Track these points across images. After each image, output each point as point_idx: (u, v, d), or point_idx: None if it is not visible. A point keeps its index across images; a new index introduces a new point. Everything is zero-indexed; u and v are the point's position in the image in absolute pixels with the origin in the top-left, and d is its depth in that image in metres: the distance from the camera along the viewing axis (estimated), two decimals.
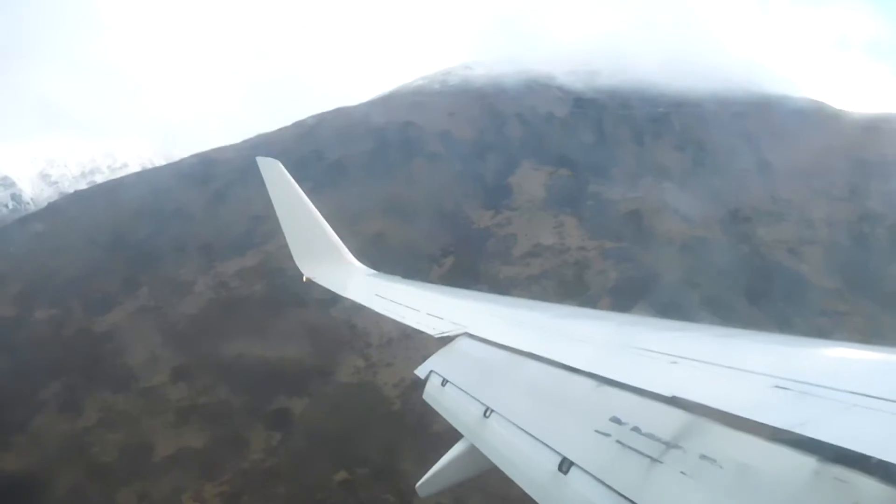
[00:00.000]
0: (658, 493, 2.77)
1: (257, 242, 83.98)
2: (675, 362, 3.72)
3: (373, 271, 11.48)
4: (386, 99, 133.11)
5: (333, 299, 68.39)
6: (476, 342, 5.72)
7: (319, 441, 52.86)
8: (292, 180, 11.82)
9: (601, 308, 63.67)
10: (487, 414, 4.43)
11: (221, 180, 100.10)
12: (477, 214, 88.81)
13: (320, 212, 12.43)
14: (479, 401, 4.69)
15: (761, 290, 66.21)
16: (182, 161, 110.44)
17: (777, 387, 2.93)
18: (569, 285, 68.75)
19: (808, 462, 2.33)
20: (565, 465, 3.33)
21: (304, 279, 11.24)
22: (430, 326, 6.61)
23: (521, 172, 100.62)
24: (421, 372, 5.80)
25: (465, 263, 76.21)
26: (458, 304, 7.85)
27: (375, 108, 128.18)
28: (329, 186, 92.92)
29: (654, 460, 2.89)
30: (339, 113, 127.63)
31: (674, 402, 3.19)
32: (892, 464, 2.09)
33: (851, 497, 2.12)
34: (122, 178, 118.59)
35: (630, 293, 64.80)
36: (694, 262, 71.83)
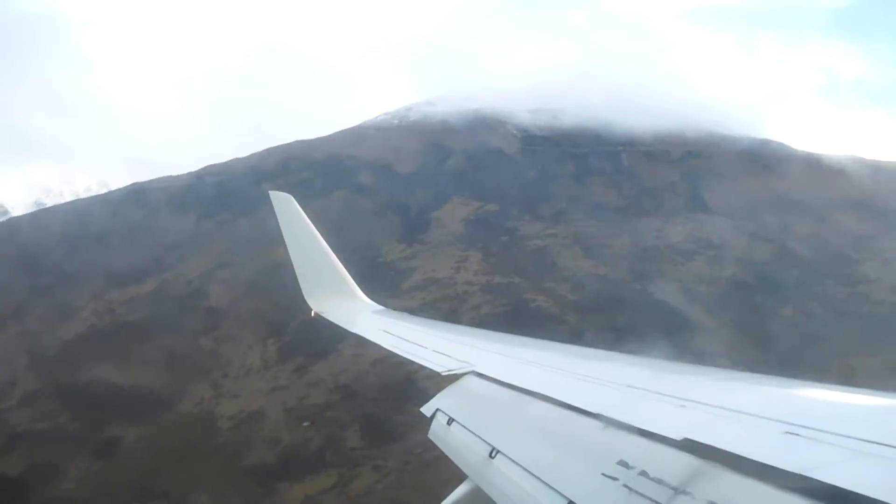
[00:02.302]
0: None
1: (159, 270, 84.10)
2: (683, 405, 3.65)
3: (381, 307, 11.36)
4: (344, 133, 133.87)
5: (206, 328, 67.95)
6: (483, 381, 5.67)
7: (133, 472, 51.48)
8: (304, 214, 11.95)
9: None
10: (493, 454, 4.33)
11: (148, 209, 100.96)
12: (388, 248, 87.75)
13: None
14: (484, 441, 4.59)
15: (632, 327, 63.57)
16: (117, 190, 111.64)
17: (788, 433, 2.87)
18: (438, 317, 66.88)
19: None
20: None
21: (313, 314, 11.16)
22: (438, 364, 6.58)
23: (447, 207, 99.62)
24: (427, 410, 5.70)
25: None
26: (466, 341, 7.86)
27: (329, 141, 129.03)
28: (243, 216, 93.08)
29: None
30: (293, 146, 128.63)
31: (683, 446, 3.10)
32: None
33: None
34: (54, 207, 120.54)
35: (493, 327, 62.64)
36: (579, 299, 69.62)
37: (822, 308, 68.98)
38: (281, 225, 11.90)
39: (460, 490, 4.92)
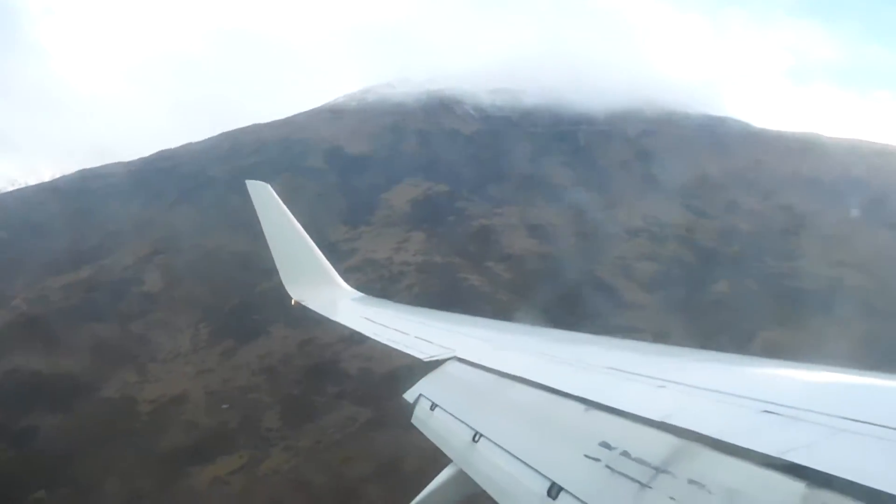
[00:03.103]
0: None
1: (97, 257, 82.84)
2: (663, 386, 3.68)
3: (361, 294, 11.44)
4: (299, 116, 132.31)
5: (137, 313, 66.94)
6: (465, 366, 5.65)
7: (46, 459, 50.45)
8: (281, 203, 11.85)
9: None
10: (476, 438, 4.33)
11: (94, 195, 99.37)
12: (331, 230, 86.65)
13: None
14: (467, 425, 4.59)
15: (564, 305, 63.14)
16: (64, 177, 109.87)
17: (766, 411, 2.91)
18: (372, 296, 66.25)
19: (796, 487, 2.32)
20: (554, 490, 3.28)
21: (293, 302, 11.18)
22: (419, 350, 6.66)
23: (397, 188, 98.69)
24: (409, 396, 5.75)
25: None
26: (447, 328, 7.78)
27: (283, 124, 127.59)
28: (186, 201, 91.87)
29: (643, 485, 2.85)
30: (247, 129, 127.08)
31: (663, 426, 3.14)
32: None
33: None
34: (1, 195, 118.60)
35: (428, 307, 62.06)
36: (515, 278, 69.08)
37: (757, 283, 68.83)
38: (258, 213, 11.72)
39: (444, 474, 4.91)
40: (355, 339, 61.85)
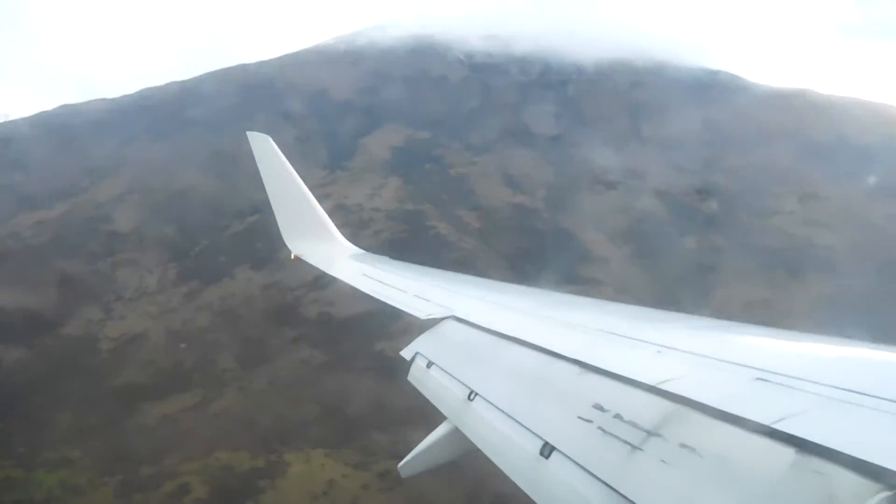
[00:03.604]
0: (637, 479, 2.79)
1: (72, 194, 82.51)
2: (659, 352, 3.71)
3: (360, 251, 11.18)
4: (285, 58, 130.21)
5: (106, 252, 67.02)
6: (462, 325, 5.66)
7: (4, 392, 51.12)
8: (282, 156, 11.54)
9: None
10: (471, 397, 4.37)
11: (74, 132, 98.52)
12: (308, 175, 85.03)
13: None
14: (463, 384, 4.60)
15: (527, 255, 63.14)
16: (45, 112, 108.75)
17: (758, 379, 2.96)
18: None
19: (786, 453, 2.36)
20: (547, 450, 3.33)
21: (292, 256, 10.90)
22: (417, 308, 6.52)
23: (378, 134, 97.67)
24: (406, 353, 5.67)
25: (266, 222, 73.37)
26: (445, 286, 7.67)
27: (269, 66, 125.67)
28: (163, 140, 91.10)
29: (634, 447, 2.91)
30: (232, 70, 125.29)
31: (656, 391, 3.17)
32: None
33: (827, 489, 2.15)
34: None
35: (391, 253, 62.05)
36: (483, 226, 69.03)
37: (727, 240, 68.54)
38: (259, 167, 11.46)
39: (439, 431, 4.84)
40: (317, 284, 61.99)
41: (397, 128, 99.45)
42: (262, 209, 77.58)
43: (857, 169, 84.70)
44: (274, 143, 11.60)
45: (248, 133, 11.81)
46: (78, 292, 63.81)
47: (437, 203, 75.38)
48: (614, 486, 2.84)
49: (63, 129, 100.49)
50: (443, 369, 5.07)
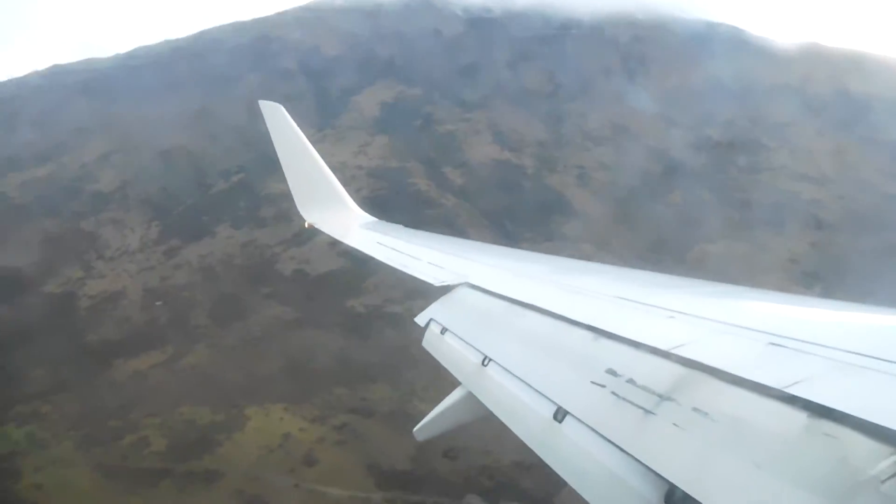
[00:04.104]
0: (650, 443, 2.81)
1: (58, 154, 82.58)
2: (672, 317, 3.72)
3: (374, 219, 11.18)
4: (281, 15, 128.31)
5: (90, 211, 67.20)
6: (476, 292, 5.71)
7: None
8: (294, 125, 11.55)
9: None
10: (485, 362, 4.42)
11: (62, 92, 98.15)
12: None
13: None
14: (477, 349, 4.67)
15: (508, 212, 62.59)
16: (36, 72, 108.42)
17: (772, 344, 2.95)
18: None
19: (798, 417, 2.37)
20: (560, 415, 3.36)
21: (306, 225, 11.08)
22: (431, 276, 6.54)
23: (369, 91, 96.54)
24: (420, 320, 5.74)
25: (251, 181, 73.56)
26: (459, 253, 7.77)
27: (263, 22, 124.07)
28: (151, 100, 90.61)
29: (647, 412, 2.93)
30: (225, 28, 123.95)
31: (669, 356, 3.17)
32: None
33: (839, 453, 2.16)
34: None
35: (368, 210, 61.64)
36: (466, 183, 68.35)
37: (713, 195, 67.46)
38: (272, 136, 11.40)
39: (453, 396, 4.83)
40: (295, 241, 61.81)
41: (389, 84, 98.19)
42: (246, 168, 77.43)
43: (855, 123, 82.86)
44: (286, 112, 11.55)
45: (261, 102, 11.71)
46: (60, 251, 64.17)
47: (423, 160, 74.67)
48: (627, 450, 2.86)
49: (53, 90, 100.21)
50: (457, 335, 5.13)
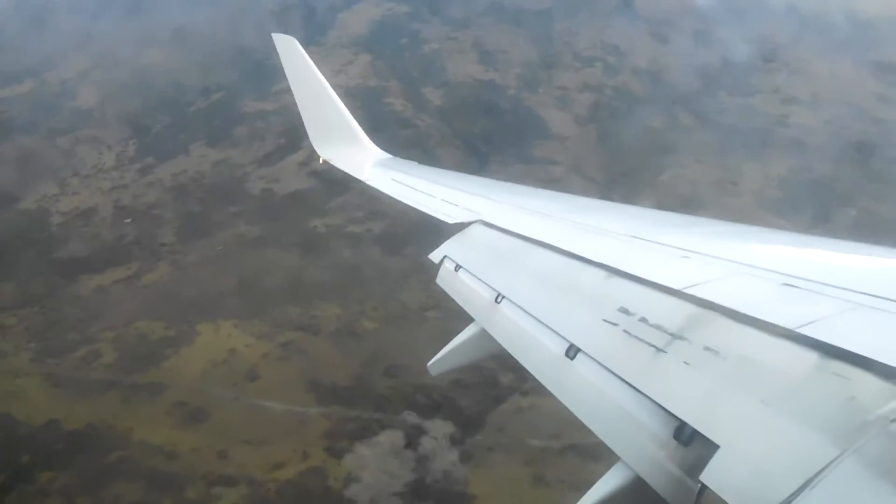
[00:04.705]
0: (660, 380, 2.82)
1: (41, 70, 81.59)
2: (686, 256, 3.69)
3: (388, 155, 11.07)
4: None
5: (68, 128, 66.93)
6: (490, 229, 5.74)
7: None
8: (309, 59, 11.52)
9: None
10: (498, 299, 4.44)
11: (47, 8, 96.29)
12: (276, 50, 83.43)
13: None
14: (490, 286, 4.70)
15: (483, 134, 61.58)
16: None
17: (786, 284, 2.93)
18: (285, 116, 65.07)
19: (809, 357, 2.37)
20: (572, 351, 3.37)
21: (321, 161, 11.08)
22: (445, 213, 6.60)
23: (357, 7, 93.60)
24: (434, 257, 5.79)
25: (230, 100, 72.65)
26: (474, 191, 7.81)
27: None
28: (134, 14, 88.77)
29: (658, 350, 2.93)
30: None
31: (682, 295, 3.17)
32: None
33: (848, 392, 2.18)
34: None
35: None
36: (444, 104, 67.22)
37: (696, 119, 65.80)
38: (285, 70, 11.51)
39: (466, 332, 4.88)
40: (266, 161, 61.40)
41: (377, 1, 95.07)
42: (226, 87, 76.35)
43: (858, 46, 79.51)
44: (300, 46, 11.43)
45: (274, 35, 11.55)
46: (37, 168, 64.31)
47: (404, 80, 73.11)
48: (638, 387, 2.88)
49: (33, 6, 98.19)
50: (470, 272, 5.16)
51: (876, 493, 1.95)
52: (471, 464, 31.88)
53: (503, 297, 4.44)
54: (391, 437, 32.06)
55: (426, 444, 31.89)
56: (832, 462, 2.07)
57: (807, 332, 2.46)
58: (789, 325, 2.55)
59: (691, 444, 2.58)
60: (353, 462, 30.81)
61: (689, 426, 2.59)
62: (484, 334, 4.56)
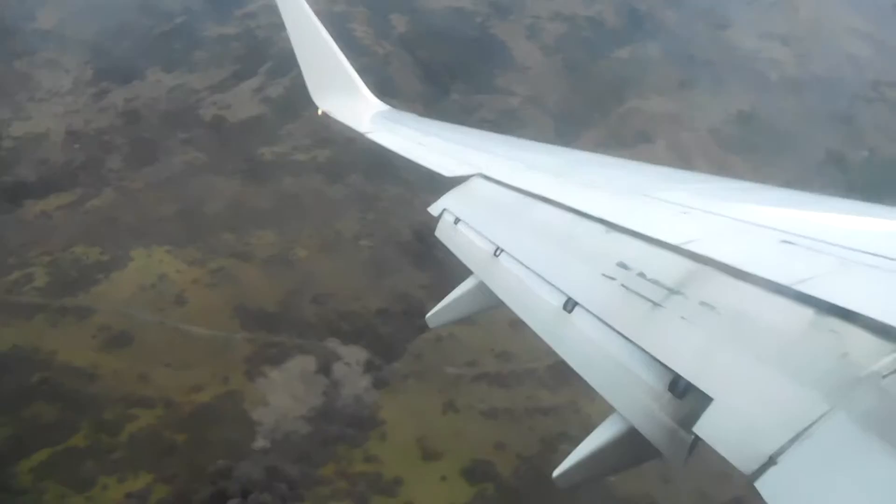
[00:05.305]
0: (656, 334, 2.87)
1: None
2: (685, 212, 3.75)
3: (388, 107, 10.94)
4: None
5: (25, 51, 65.40)
6: (489, 183, 5.74)
7: None
8: (309, 10, 11.05)
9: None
10: (497, 253, 4.49)
11: None
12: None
13: None
14: (489, 240, 4.75)
15: (443, 64, 60.19)
16: None
17: (784, 241, 2.97)
18: (248, 43, 63.67)
19: (804, 313, 2.41)
20: (570, 305, 3.42)
21: (319, 112, 10.88)
22: (444, 166, 6.49)
23: None
24: (434, 210, 5.80)
25: (190, 23, 70.80)
26: (473, 144, 7.82)
27: None
28: None
29: (655, 304, 2.98)
30: None
31: (681, 251, 3.19)
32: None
33: (842, 348, 2.21)
34: None
35: (291, 54, 59.30)
36: (408, 31, 65.66)
37: (664, 52, 64.10)
38: (284, 20, 11.06)
39: (465, 285, 4.89)
40: (221, 86, 60.16)
41: None
42: (192, 10, 74.23)
43: None
44: None
45: None
46: None
47: (371, 6, 70.89)
48: (634, 341, 2.92)
49: None
50: (470, 226, 5.18)
51: (864, 446, 1.97)
52: (385, 390, 32.23)
53: (502, 250, 4.48)
54: (303, 363, 32.31)
55: (340, 370, 32.14)
56: (823, 416, 2.10)
57: (803, 288, 2.47)
58: (786, 281, 2.55)
59: (685, 396, 2.62)
60: (264, 386, 31.11)
61: (684, 379, 2.62)
62: (482, 287, 4.58)
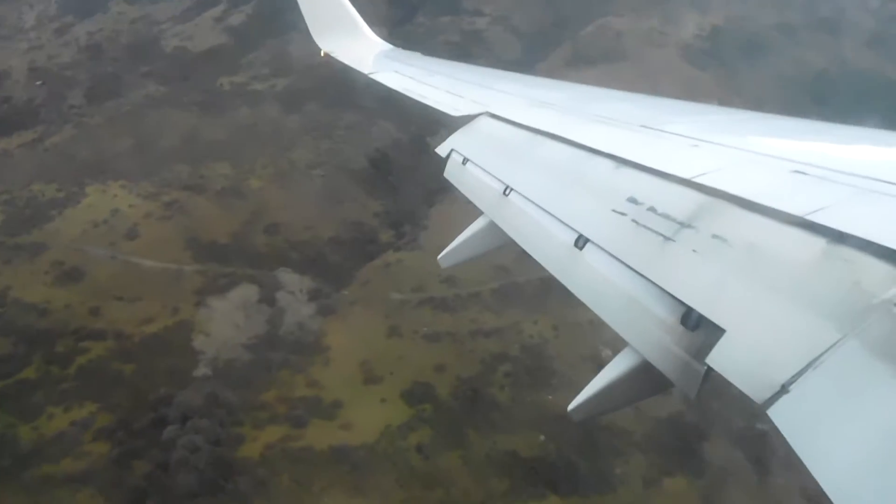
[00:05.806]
0: (668, 269, 2.87)
1: None
2: (695, 145, 3.72)
3: (391, 46, 10.75)
4: None
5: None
6: (497, 122, 5.64)
7: None
8: None
9: None
10: (507, 192, 4.49)
11: None
12: None
13: None
14: (499, 179, 4.73)
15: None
16: None
17: (796, 171, 2.97)
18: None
19: (817, 244, 2.38)
20: (581, 242, 3.43)
21: (322, 54, 10.61)
22: (450, 105, 6.41)
23: None
24: (442, 150, 5.69)
25: None
26: (479, 82, 7.56)
27: None
28: None
29: (667, 239, 2.97)
30: None
31: (691, 184, 3.18)
32: None
33: (854, 277, 2.19)
34: None
35: None
36: None
37: None
38: None
39: (476, 225, 4.86)
40: (184, 17, 58.76)
41: None
42: None
43: None
44: None
45: None
46: None
47: None
48: (646, 275, 2.90)
49: None
50: (478, 165, 5.11)
51: (876, 373, 1.95)
52: (331, 317, 32.43)
53: (511, 189, 4.44)
54: (246, 292, 32.46)
55: (284, 298, 32.29)
56: (835, 344, 2.08)
57: (815, 218, 2.43)
58: (798, 212, 2.51)
59: (698, 329, 2.62)
60: (204, 315, 31.37)
61: (696, 312, 2.62)
62: (493, 226, 4.55)
